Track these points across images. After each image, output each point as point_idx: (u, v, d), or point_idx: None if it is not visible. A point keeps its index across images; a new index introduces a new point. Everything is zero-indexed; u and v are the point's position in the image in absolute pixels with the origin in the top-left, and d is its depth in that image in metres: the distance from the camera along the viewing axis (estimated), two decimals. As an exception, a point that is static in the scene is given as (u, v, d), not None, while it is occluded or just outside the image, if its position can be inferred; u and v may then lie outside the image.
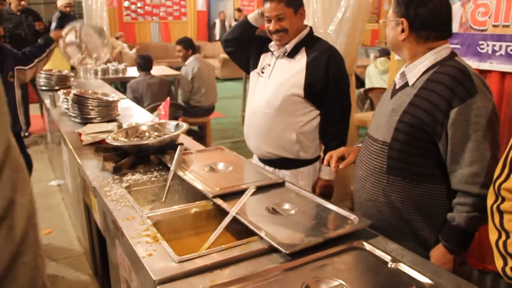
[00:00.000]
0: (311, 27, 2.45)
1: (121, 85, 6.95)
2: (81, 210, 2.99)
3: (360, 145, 1.96)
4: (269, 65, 2.45)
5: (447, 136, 1.61)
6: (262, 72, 2.47)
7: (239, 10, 12.68)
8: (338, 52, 2.40)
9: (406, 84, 1.74)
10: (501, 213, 1.32)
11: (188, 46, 5.50)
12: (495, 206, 1.34)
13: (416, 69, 1.72)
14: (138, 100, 5.00)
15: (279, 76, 2.37)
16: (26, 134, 6.51)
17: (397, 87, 1.79)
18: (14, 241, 0.67)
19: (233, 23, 12.79)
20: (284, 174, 2.45)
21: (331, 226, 1.63)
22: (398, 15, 1.71)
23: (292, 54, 2.36)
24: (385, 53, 6.51)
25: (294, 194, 1.91)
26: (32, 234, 0.70)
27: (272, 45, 2.45)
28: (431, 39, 1.71)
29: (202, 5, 13.41)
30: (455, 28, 2.63)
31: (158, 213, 1.77)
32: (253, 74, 2.54)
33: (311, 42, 2.39)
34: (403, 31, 1.71)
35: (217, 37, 13.49)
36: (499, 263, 1.30)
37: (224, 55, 11.75)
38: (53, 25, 6.65)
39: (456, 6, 2.60)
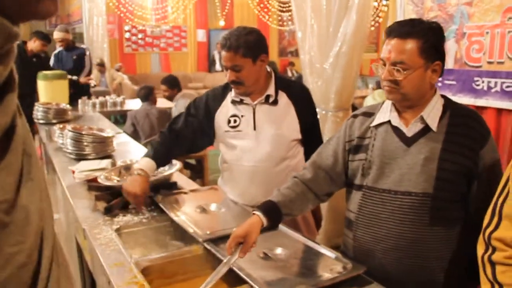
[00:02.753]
0: (273, 69, 2.35)
1: (120, 116, 6.95)
2: (73, 248, 2.93)
3: (258, 213, 1.68)
4: (242, 116, 2.26)
5: (479, 176, 1.61)
6: (234, 127, 2.27)
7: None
8: (305, 86, 2.40)
9: (425, 130, 1.64)
10: (492, 264, 1.28)
11: (173, 85, 5.40)
12: (486, 256, 1.30)
13: (432, 113, 1.64)
14: (135, 128, 5.00)
15: (272, 125, 2.23)
16: None
17: (408, 134, 1.65)
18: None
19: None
20: None
21: (324, 272, 1.58)
22: (430, 60, 1.59)
23: (276, 100, 2.24)
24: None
25: (287, 237, 1.87)
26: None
27: (240, 95, 2.26)
28: None
29: (202, 37, 13.55)
30: (450, 64, 2.62)
31: (147, 259, 1.73)
32: (223, 135, 2.31)
33: (282, 83, 2.30)
34: (434, 72, 1.62)
35: (217, 68, 13.61)
36: None
37: (224, 86, 11.82)
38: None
39: (451, 42, 2.61)
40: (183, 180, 2.71)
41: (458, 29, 2.57)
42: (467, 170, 1.60)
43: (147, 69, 12.78)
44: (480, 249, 1.36)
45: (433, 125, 1.62)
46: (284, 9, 12.99)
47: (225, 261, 1.53)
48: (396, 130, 1.68)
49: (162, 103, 6.60)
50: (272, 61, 14.00)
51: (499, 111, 2.44)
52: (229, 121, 2.28)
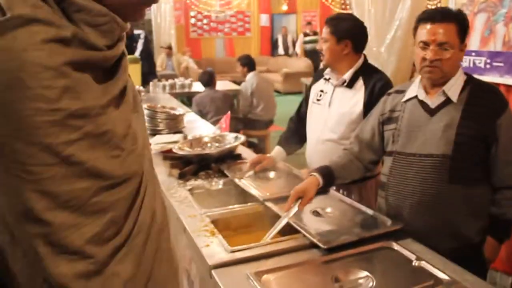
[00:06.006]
0: (365, 55, 2.58)
1: (187, 99, 7.38)
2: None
3: (315, 174, 2.00)
4: (325, 92, 2.58)
5: (497, 142, 1.85)
6: (318, 100, 2.60)
7: (309, 23, 12.78)
8: (390, 81, 2.53)
9: (447, 102, 1.88)
10: None
11: (244, 63, 5.83)
12: None
13: (453, 87, 1.89)
14: (203, 113, 5.36)
15: (340, 106, 2.49)
16: None
17: (432, 106, 1.91)
18: None
19: (300, 38, 12.90)
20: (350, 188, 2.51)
21: (366, 227, 1.84)
22: (462, 41, 1.87)
23: (350, 84, 2.49)
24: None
25: (337, 199, 2.13)
26: None
27: (329, 73, 2.57)
28: None
29: (265, 21, 13.81)
30: (499, 47, 2.76)
31: (216, 212, 2.05)
32: (311, 106, 2.66)
33: (367, 71, 2.52)
34: (462, 52, 1.91)
35: (280, 52, 13.83)
36: None
37: (286, 69, 12.08)
38: None
39: (499, 26, 2.74)
40: (246, 152, 3.02)
41: (508, 13, 2.69)
42: (484, 136, 1.84)
43: (212, 54, 13.21)
44: None
45: (454, 97, 1.88)
46: (347, -7, 12.97)
47: (286, 213, 1.85)
48: (422, 103, 1.95)
49: (223, 85, 6.98)
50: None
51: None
52: (317, 94, 2.65)
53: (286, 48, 13.89)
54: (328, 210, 2.01)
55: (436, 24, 1.84)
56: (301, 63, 12.36)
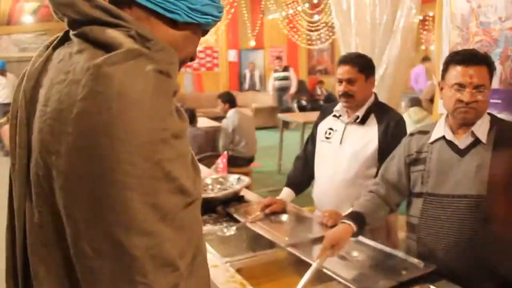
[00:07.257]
0: (375, 94, 2.58)
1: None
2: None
3: (349, 222, 1.93)
4: (335, 130, 2.54)
5: None
6: (327, 138, 2.57)
7: (278, 58, 12.81)
8: (402, 118, 2.55)
9: (476, 142, 1.90)
10: None
11: (226, 100, 5.85)
12: None
13: (481, 127, 1.91)
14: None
15: (353, 144, 2.46)
16: None
17: (461, 146, 1.92)
18: None
19: (272, 74, 12.91)
20: None
21: (399, 271, 1.80)
22: (490, 80, 1.93)
23: (363, 121, 2.47)
24: (415, 102, 6.70)
25: (358, 241, 2.09)
26: None
27: (339, 110, 2.55)
28: None
29: (233, 57, 13.90)
30: (496, 84, 2.82)
31: (239, 261, 1.97)
32: (319, 144, 2.62)
33: (378, 108, 2.51)
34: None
35: (246, 87, 13.90)
36: None
37: (256, 105, 12.16)
38: None
39: (496, 64, 2.80)
40: (249, 194, 2.95)
41: (503, 52, 2.77)
42: None
43: (181, 89, 13.13)
44: None
45: (483, 138, 1.89)
46: (313, 29, 13.26)
47: (318, 261, 1.76)
48: (450, 143, 1.95)
49: (203, 123, 6.93)
50: (302, 80, 14.21)
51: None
52: (325, 132, 2.61)
53: (253, 84, 13.98)
54: (355, 254, 1.96)
55: (470, 66, 1.86)
56: (269, 98, 12.47)
